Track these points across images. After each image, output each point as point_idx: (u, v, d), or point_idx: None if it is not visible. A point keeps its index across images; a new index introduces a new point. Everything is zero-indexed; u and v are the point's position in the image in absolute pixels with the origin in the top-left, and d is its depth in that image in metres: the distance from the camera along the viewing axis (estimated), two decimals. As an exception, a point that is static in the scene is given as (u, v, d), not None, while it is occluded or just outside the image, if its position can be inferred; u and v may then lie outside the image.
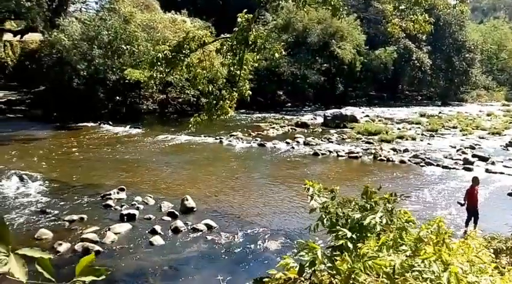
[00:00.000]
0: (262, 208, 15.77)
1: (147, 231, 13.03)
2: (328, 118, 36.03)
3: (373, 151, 25.38)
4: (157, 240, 12.40)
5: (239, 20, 12.55)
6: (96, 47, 34.02)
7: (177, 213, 14.38)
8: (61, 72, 33.09)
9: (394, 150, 25.95)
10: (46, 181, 17.63)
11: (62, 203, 15.20)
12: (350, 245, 3.49)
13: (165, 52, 12.53)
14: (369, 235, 3.76)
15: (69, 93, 32.18)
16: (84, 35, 34.78)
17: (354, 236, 3.67)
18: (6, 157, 21.36)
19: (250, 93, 13.73)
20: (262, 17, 46.37)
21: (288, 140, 28.19)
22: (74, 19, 37.67)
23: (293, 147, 26.60)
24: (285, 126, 34.42)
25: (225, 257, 11.77)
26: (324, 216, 4.26)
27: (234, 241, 12.70)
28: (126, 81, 33.44)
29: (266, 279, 3.76)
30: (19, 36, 42.36)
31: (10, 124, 30.79)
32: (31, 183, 17.23)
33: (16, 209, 14.42)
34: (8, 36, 43.10)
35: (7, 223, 12.10)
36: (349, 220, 4.04)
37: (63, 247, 11.54)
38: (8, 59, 43.35)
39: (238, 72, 13.01)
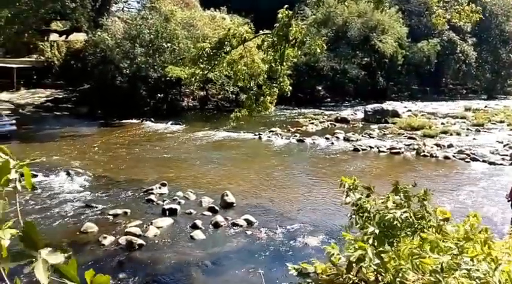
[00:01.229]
0: (302, 204, 15.71)
1: (188, 226, 13.23)
2: (369, 113, 35.45)
3: (416, 146, 24.78)
4: (198, 235, 12.57)
5: (280, 15, 12.50)
6: (138, 45, 34.80)
7: (217, 208, 14.53)
8: (105, 71, 34.05)
9: (437, 145, 25.24)
10: (91, 176, 18.20)
11: (106, 197, 15.67)
12: (372, 241, 3.40)
13: (206, 49, 12.65)
14: (397, 232, 3.65)
15: (112, 91, 33.09)
16: (127, 34, 35.65)
17: (381, 232, 3.57)
18: (54, 153, 22.18)
19: (291, 88, 13.68)
20: (302, 12, 46.06)
21: (328, 136, 27.95)
22: (117, 18, 38.67)
23: (333, 143, 26.35)
24: (324, 122, 34.15)
25: (264, 252, 11.80)
26: (354, 213, 4.21)
27: (273, 237, 12.72)
28: (167, 78, 34.08)
29: (310, 267, 3.74)
30: (64, 36, 43.84)
31: (57, 121, 31.99)
32: (77, 178, 17.82)
33: (63, 203, 14.96)
34: (54, 37, 44.70)
35: (56, 216, 12.63)
36: (376, 217, 3.95)
37: (108, 240, 11.89)
38: (55, 59, 44.92)
39: (278, 68, 12.98)
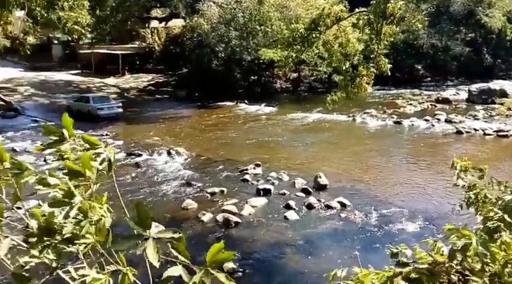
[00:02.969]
0: (399, 188, 15.19)
1: (281, 206, 13.42)
2: (474, 93, 33.03)
3: (528, 129, 22.72)
4: (291, 215, 12.71)
5: (376, -8, 12.03)
6: (232, 29, 35.47)
7: (310, 189, 14.55)
8: (201, 55, 35.22)
9: (553, 128, 22.94)
10: (190, 156, 19.08)
11: (204, 176, 16.37)
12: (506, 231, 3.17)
13: (300, 30, 12.57)
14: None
15: (208, 74, 34.18)
16: (222, 18, 36.45)
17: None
18: (156, 134, 23.56)
19: (390, 67, 13.16)
20: (399, -13, 43.82)
21: (427, 117, 26.55)
22: (212, 3, 39.60)
23: (433, 125, 25.01)
24: (423, 103, 32.46)
25: (359, 235, 11.64)
26: (470, 196, 3.95)
27: (368, 221, 12.48)
28: (260, 61, 34.39)
29: (409, 252, 3.61)
30: (164, 22, 45.93)
31: (158, 104, 33.86)
32: (178, 157, 18.79)
33: (166, 181, 15.89)
34: (154, 24, 47.02)
35: (159, 193, 13.44)
36: (499, 202, 3.67)
37: (206, 217, 12.45)
38: (155, 45, 47.32)
39: (375, 46, 12.54)
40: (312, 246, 11.15)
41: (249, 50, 35.56)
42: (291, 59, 15.63)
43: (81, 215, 2.04)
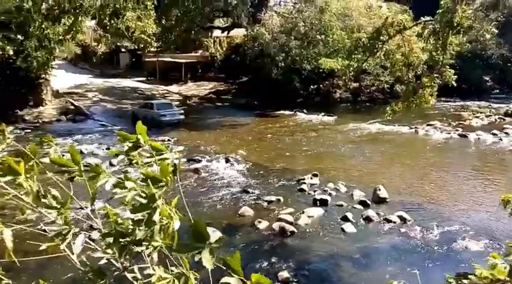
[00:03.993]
0: (462, 205, 14.55)
1: (338, 217, 13.24)
2: (547, 107, 31.09)
3: None
4: (348, 227, 12.50)
5: (442, 1, 11.69)
6: (293, 38, 35.62)
7: (368, 202, 14.25)
8: (261, 64, 35.59)
9: None
10: (248, 163, 19.27)
11: (261, 184, 16.48)
12: None
13: (362, 40, 12.44)
14: None
15: (268, 83, 34.47)
16: (283, 27, 36.72)
17: None
18: (215, 141, 24.04)
19: (456, 78, 12.71)
20: (467, -5, 42.20)
21: (495, 131, 25.26)
22: (274, 13, 39.99)
23: (501, 139, 23.76)
24: (491, 116, 30.92)
25: (419, 252, 11.26)
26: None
27: (429, 237, 12.04)
28: (320, 70, 34.24)
29: (471, 276, 3.47)
30: (226, 32, 46.87)
31: (218, 111, 34.53)
32: (235, 165, 19.04)
33: (223, 187, 16.15)
34: (216, 33, 48.10)
35: (217, 198, 13.67)
36: None
37: (263, 224, 12.52)
38: (217, 54, 48.40)
39: (440, 57, 12.15)
40: (368, 260, 10.91)
41: (309, 59, 35.53)
42: (351, 68, 15.47)
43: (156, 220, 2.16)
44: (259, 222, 12.62)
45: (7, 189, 2.25)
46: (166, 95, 41.05)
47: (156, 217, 2.10)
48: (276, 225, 12.41)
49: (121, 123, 29.09)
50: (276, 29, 36.69)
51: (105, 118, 30.96)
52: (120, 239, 2.23)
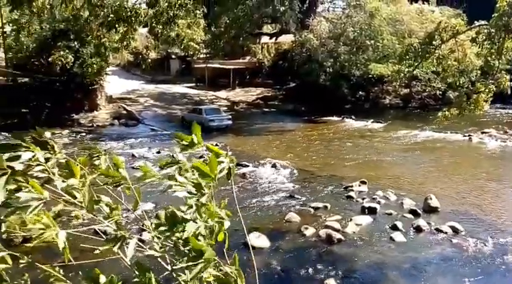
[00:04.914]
0: (520, 216, 13.90)
1: (387, 226, 12.96)
2: None
3: None
4: (398, 236, 12.21)
5: (498, 4, 11.27)
6: (341, 43, 35.31)
7: (419, 211, 13.88)
8: (309, 70, 35.49)
9: None
10: (294, 169, 19.22)
11: (308, 190, 16.40)
12: None
13: (414, 45, 12.18)
14: None
15: (315, 89, 34.30)
16: (331, 33, 36.51)
17: None
18: (262, 146, 24.18)
19: (510, 84, 12.21)
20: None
21: (556, 140, 23.98)
22: (322, 18, 39.82)
23: (562, 148, 22.53)
24: (551, 124, 29.37)
25: (471, 264, 10.83)
26: None
27: (483, 249, 11.56)
28: (370, 76, 33.75)
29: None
30: (274, 38, 47.09)
31: (265, 117, 34.71)
32: (282, 170, 19.05)
33: (270, 192, 16.20)
34: (264, 39, 48.42)
35: (263, 203, 13.74)
36: None
37: (309, 231, 12.45)
38: (265, 60, 48.72)
39: (496, 62, 11.71)
40: (418, 271, 10.61)
41: (358, 65, 35.12)
42: (402, 74, 15.16)
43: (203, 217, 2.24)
44: (306, 228, 12.55)
45: (64, 196, 2.40)
46: (214, 101, 41.72)
47: (204, 199, 2.18)
48: (322, 232, 12.30)
49: (171, 127, 29.83)
50: (325, 34, 36.51)
51: (155, 123, 31.85)
52: (176, 233, 2.31)
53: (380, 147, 24.10)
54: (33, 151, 2.15)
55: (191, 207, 2.25)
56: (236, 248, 2.11)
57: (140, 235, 2.63)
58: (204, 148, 2.51)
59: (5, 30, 32.01)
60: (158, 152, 22.26)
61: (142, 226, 3.13)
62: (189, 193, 2.27)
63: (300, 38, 37.81)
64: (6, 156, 2.16)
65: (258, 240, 11.50)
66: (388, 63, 32.73)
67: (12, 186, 2.14)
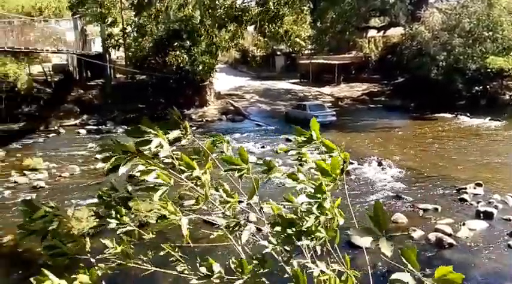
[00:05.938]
0: None
1: (505, 232, 11.95)
2: None
3: None
4: (517, 244, 11.20)
5: None
6: (456, 35, 33.11)
7: (543, 218, 12.60)
8: (420, 64, 33.78)
9: None
10: (401, 168, 18.46)
11: (416, 191, 15.66)
12: None
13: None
14: None
15: (426, 84, 32.54)
16: (445, 24, 34.40)
17: None
18: (367, 143, 23.56)
19: None
20: None
21: None
22: (435, 10, 37.65)
23: None
24: None
25: None
26: None
27: None
28: (488, 69, 31.26)
29: None
30: (382, 31, 45.56)
31: (371, 113, 33.79)
32: (388, 169, 18.39)
33: (375, 191, 15.75)
34: (372, 33, 47.05)
35: (367, 202, 13.41)
36: None
37: (417, 234, 11.89)
38: (372, 54, 47.37)
39: None
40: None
41: (475, 58, 32.63)
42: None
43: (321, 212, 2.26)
44: (414, 231, 12.01)
45: (187, 182, 2.56)
46: (318, 97, 41.53)
47: (326, 204, 2.20)
48: (432, 235, 11.68)
49: (275, 123, 30.29)
50: (437, 26, 34.49)
51: (260, 119, 32.58)
52: (287, 229, 2.37)
53: (498, 148, 22.23)
54: (161, 138, 2.32)
55: (310, 204, 2.29)
56: (341, 247, 2.11)
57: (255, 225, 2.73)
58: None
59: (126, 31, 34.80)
60: (262, 147, 22.72)
61: (247, 218, 3.22)
62: (309, 195, 2.31)
63: (411, 31, 36.16)
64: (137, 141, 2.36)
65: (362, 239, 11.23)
66: (509, 56, 30.14)
67: (141, 168, 2.34)
